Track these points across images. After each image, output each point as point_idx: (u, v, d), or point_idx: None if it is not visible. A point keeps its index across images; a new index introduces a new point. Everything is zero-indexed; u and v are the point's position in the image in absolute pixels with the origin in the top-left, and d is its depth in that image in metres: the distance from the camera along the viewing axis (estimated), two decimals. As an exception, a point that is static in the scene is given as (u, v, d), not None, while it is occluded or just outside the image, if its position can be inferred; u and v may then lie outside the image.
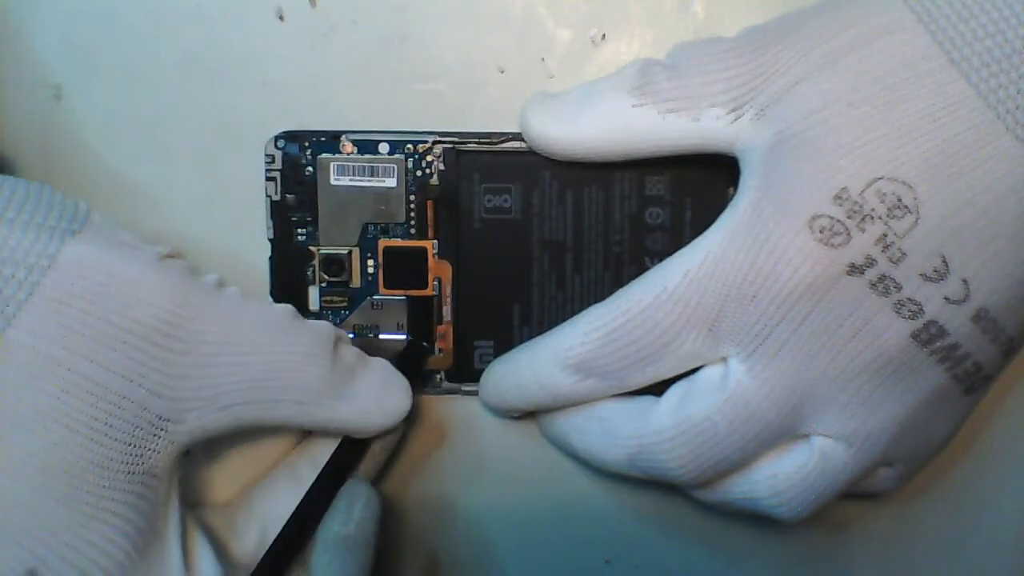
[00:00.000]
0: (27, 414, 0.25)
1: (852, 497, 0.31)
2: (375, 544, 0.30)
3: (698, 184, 0.32)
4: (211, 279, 0.29)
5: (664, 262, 0.29)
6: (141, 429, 0.26)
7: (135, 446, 0.26)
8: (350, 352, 0.30)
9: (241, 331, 0.28)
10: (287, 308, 0.30)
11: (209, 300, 0.28)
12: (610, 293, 0.30)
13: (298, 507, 0.30)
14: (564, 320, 0.31)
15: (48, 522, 0.25)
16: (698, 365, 0.30)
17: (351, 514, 0.30)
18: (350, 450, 0.31)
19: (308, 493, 0.30)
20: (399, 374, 0.31)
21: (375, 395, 0.30)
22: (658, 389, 0.30)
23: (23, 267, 0.25)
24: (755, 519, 0.31)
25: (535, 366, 0.31)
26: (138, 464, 0.26)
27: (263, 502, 0.31)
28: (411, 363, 0.32)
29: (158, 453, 0.27)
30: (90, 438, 0.25)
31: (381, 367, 0.31)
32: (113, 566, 0.26)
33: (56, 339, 0.25)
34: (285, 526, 0.29)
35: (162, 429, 0.27)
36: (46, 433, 0.25)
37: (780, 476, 0.29)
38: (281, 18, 0.33)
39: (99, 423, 0.26)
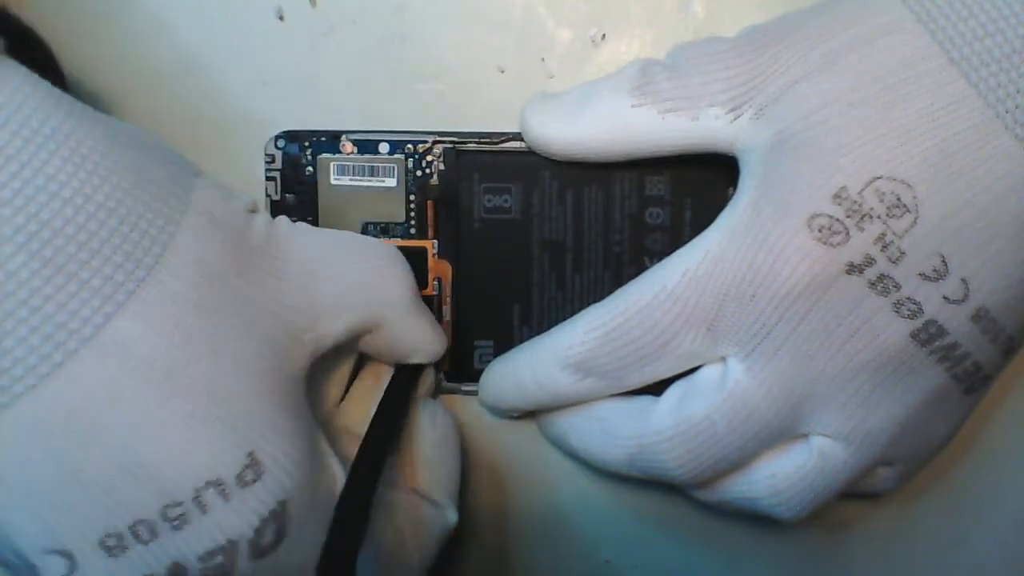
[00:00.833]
0: (227, 327, 0.26)
1: (852, 497, 0.31)
2: (460, 451, 0.32)
3: (698, 184, 0.32)
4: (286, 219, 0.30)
5: (663, 261, 0.29)
6: (286, 338, 0.27)
7: (282, 356, 0.27)
8: None
9: (333, 247, 0.29)
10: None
11: (292, 228, 0.29)
12: (610, 293, 0.30)
13: (371, 429, 0.30)
14: (564, 320, 0.31)
15: (256, 410, 0.26)
16: (697, 365, 0.30)
17: (435, 422, 0.32)
18: (410, 375, 0.32)
19: (378, 414, 0.30)
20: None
21: (433, 321, 0.32)
22: (657, 389, 0.30)
23: (177, 189, 0.26)
24: (755, 519, 0.31)
25: (534, 366, 0.31)
26: (296, 371, 0.28)
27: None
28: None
29: (302, 362, 0.28)
30: (259, 341, 0.26)
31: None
32: (304, 453, 0.27)
33: (214, 252, 0.26)
34: (364, 446, 0.29)
35: (302, 339, 0.28)
36: (225, 333, 0.26)
37: (779, 476, 0.29)
38: (281, 18, 0.33)
39: (260, 330, 0.26)
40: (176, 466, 0.24)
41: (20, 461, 0.23)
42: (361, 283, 0.29)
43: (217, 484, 0.24)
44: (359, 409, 0.32)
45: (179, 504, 0.24)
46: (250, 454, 0.25)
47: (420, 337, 0.31)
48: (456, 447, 0.32)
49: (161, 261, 0.25)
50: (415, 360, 0.32)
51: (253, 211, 0.28)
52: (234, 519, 0.25)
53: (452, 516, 0.31)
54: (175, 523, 0.24)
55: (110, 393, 0.24)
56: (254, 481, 0.25)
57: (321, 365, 0.30)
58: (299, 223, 0.30)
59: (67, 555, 0.24)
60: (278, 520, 0.26)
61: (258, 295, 0.27)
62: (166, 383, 0.24)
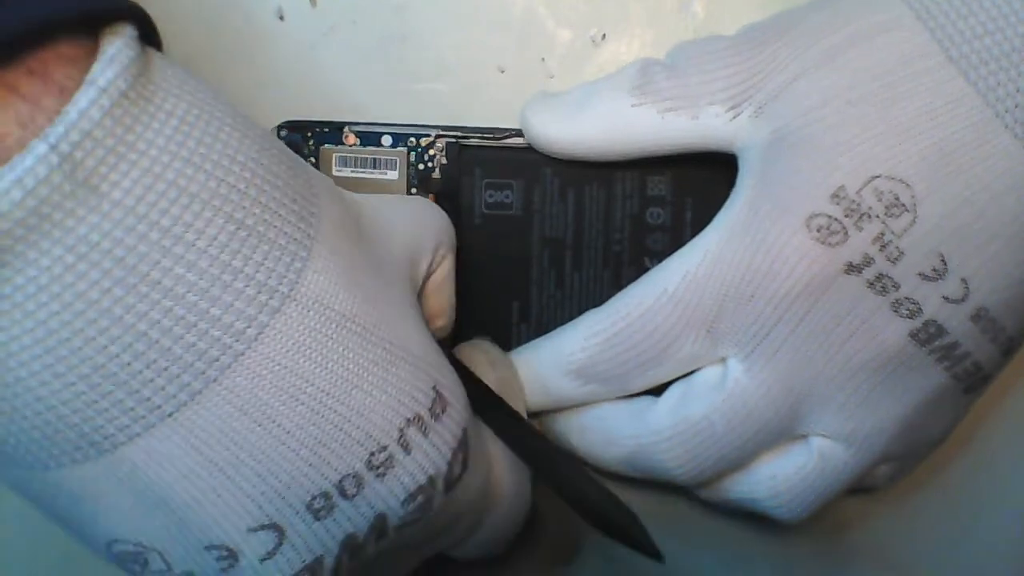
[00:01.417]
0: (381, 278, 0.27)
1: (849, 493, 0.31)
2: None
3: (699, 184, 0.32)
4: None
5: (663, 263, 0.29)
6: (413, 284, 0.29)
7: (414, 300, 0.28)
8: None
9: (391, 206, 0.30)
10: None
11: (358, 198, 0.29)
12: (609, 292, 0.30)
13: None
14: (562, 318, 0.31)
15: (430, 350, 0.27)
16: (698, 367, 0.30)
17: (491, 357, 0.32)
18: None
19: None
20: None
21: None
22: (658, 389, 0.30)
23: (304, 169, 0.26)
24: (755, 519, 0.31)
25: (536, 371, 0.31)
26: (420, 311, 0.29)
27: None
28: None
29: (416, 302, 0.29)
30: (407, 292, 0.28)
31: None
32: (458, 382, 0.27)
33: (350, 222, 0.27)
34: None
35: (416, 281, 0.29)
36: (397, 288, 0.27)
37: (780, 477, 0.29)
38: (281, 18, 0.33)
39: (400, 282, 0.28)
40: (381, 411, 0.24)
41: (230, 437, 0.23)
42: (427, 228, 0.30)
43: (417, 421, 0.25)
44: None
45: (384, 448, 0.24)
46: (434, 387, 0.26)
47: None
48: (519, 389, 0.32)
49: (319, 222, 0.25)
50: (445, 316, 0.32)
51: None
52: (433, 453, 0.25)
53: None
54: (379, 471, 0.24)
55: (316, 346, 0.24)
56: (443, 412, 0.26)
57: None
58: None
59: (275, 527, 0.24)
60: (463, 449, 0.26)
61: (382, 251, 0.27)
62: (361, 333, 0.24)
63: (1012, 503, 0.35)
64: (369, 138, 0.33)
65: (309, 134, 0.32)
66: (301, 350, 0.23)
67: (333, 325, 0.24)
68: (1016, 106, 0.25)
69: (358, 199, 0.29)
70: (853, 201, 0.26)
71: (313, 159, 0.33)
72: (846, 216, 0.26)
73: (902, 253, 0.26)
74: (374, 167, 0.32)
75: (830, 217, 0.26)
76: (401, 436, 0.24)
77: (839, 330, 0.27)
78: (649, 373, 0.30)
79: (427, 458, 0.25)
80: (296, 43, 0.33)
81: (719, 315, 0.28)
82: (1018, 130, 0.26)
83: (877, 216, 0.26)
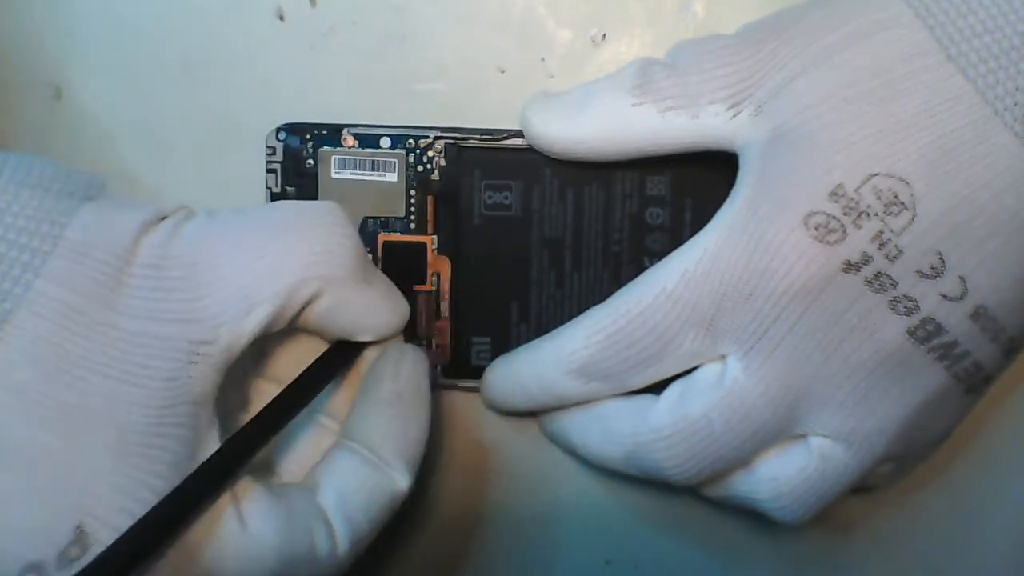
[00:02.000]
0: (60, 367, 0.24)
1: (849, 492, 0.31)
2: (430, 404, 0.30)
3: (699, 184, 0.32)
4: (204, 212, 0.27)
5: (662, 261, 0.29)
6: (177, 361, 0.25)
7: (174, 379, 0.25)
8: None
9: (245, 231, 0.27)
10: (285, 204, 0.28)
11: (199, 227, 0.27)
12: (609, 292, 0.30)
13: (281, 393, 0.28)
14: (562, 318, 0.31)
15: (96, 471, 0.24)
16: (697, 364, 0.30)
17: (399, 371, 0.29)
18: (345, 353, 0.30)
19: (295, 382, 0.28)
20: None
21: (387, 291, 0.29)
22: (658, 388, 0.30)
23: (46, 223, 0.25)
24: (756, 518, 0.31)
25: (538, 371, 0.31)
26: (180, 396, 0.25)
27: None
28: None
29: (198, 380, 0.26)
30: (127, 382, 0.25)
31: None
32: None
33: (80, 289, 0.24)
34: (267, 408, 0.27)
35: (197, 354, 0.25)
36: (83, 384, 0.24)
37: (782, 479, 0.29)
38: (281, 18, 0.33)
39: (133, 365, 0.25)
40: None
41: None
42: (276, 265, 0.26)
43: (37, 568, 0.23)
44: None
45: None
46: (78, 526, 0.23)
47: (363, 312, 0.28)
48: (421, 404, 0.29)
49: (18, 308, 0.24)
50: (363, 338, 0.29)
51: (163, 219, 0.27)
52: None
53: (402, 481, 0.28)
54: None
55: None
56: (81, 555, 0.23)
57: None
58: (222, 212, 0.27)
59: None
60: None
61: (133, 324, 0.25)
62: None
63: (1012, 503, 0.35)
64: (368, 140, 0.33)
65: (307, 136, 0.33)
66: None
67: None
68: (1015, 104, 0.25)
69: (207, 226, 0.27)
70: (852, 199, 0.26)
71: (312, 161, 0.32)
72: (844, 214, 0.26)
73: (900, 251, 0.26)
74: (373, 169, 0.33)
75: (828, 215, 0.26)
76: None
77: (837, 328, 0.27)
78: (649, 370, 0.30)
79: None
80: (296, 43, 0.33)
81: (718, 313, 0.28)
82: (1017, 128, 0.25)
83: (876, 214, 0.26)
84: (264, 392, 0.30)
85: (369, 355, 0.30)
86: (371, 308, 0.29)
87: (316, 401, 0.29)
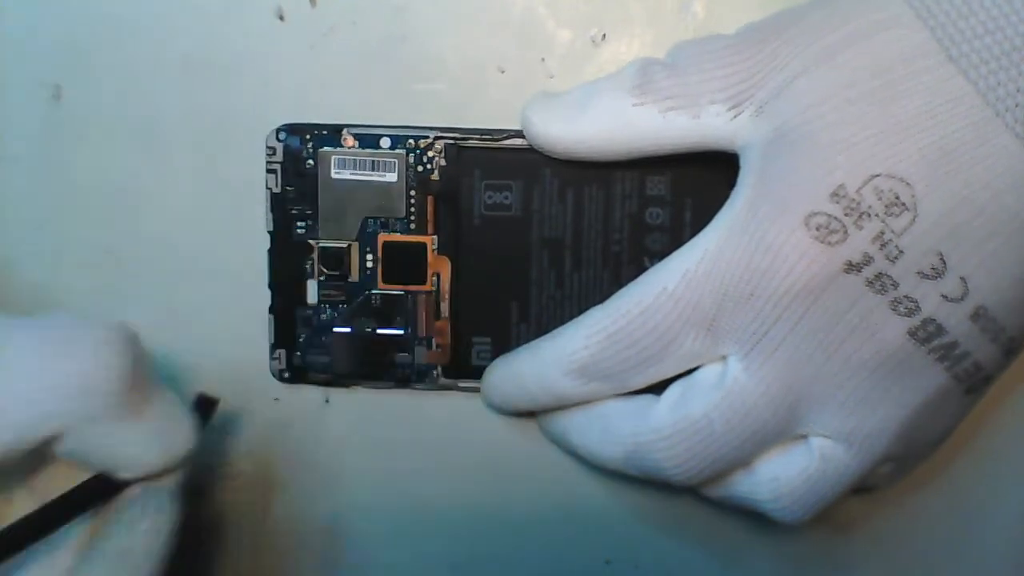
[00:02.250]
0: None
1: (849, 493, 0.31)
2: (159, 558, 0.26)
3: (699, 184, 0.32)
4: None
5: (663, 262, 0.29)
6: None
7: None
8: (145, 368, 0.26)
9: None
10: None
11: None
12: (609, 292, 0.30)
13: (18, 521, 0.25)
14: (562, 318, 0.31)
15: None
16: (698, 364, 0.30)
17: (136, 525, 0.26)
18: (105, 483, 0.27)
19: (38, 511, 0.25)
20: (188, 410, 0.28)
21: (160, 426, 0.26)
22: (659, 388, 0.30)
23: None
24: (756, 519, 0.31)
25: (538, 371, 0.31)
26: None
27: None
28: (203, 412, 0.29)
29: None
30: None
31: (171, 396, 0.27)
32: None
33: None
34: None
35: None
36: None
37: (782, 479, 0.29)
38: (281, 18, 0.33)
39: None
40: None
41: None
42: (7, 397, 0.24)
43: None
44: None
45: None
46: None
47: (121, 450, 0.26)
48: (145, 569, 0.26)
49: None
50: (123, 476, 0.26)
51: None
52: None
53: None
54: None
55: None
56: None
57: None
58: None
59: None
60: None
61: None
62: None
63: (1012, 503, 0.35)
64: (367, 140, 0.33)
65: (307, 136, 0.32)
66: None
67: None
68: (1016, 105, 0.25)
69: None
70: (853, 200, 0.26)
71: (312, 161, 0.32)
72: (846, 215, 0.26)
73: (901, 252, 0.26)
74: (373, 169, 0.32)
75: (829, 216, 0.26)
76: None
77: (838, 329, 0.27)
78: (650, 371, 0.30)
79: None
80: (296, 43, 0.33)
81: (719, 313, 0.28)
82: (1018, 129, 0.25)
83: (877, 215, 0.26)
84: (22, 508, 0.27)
85: (131, 492, 0.27)
86: (133, 446, 0.26)
87: (63, 533, 0.26)
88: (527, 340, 0.33)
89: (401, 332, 0.34)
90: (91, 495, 0.26)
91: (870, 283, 0.27)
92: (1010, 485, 0.35)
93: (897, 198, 0.26)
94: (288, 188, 0.33)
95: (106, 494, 0.27)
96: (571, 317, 0.31)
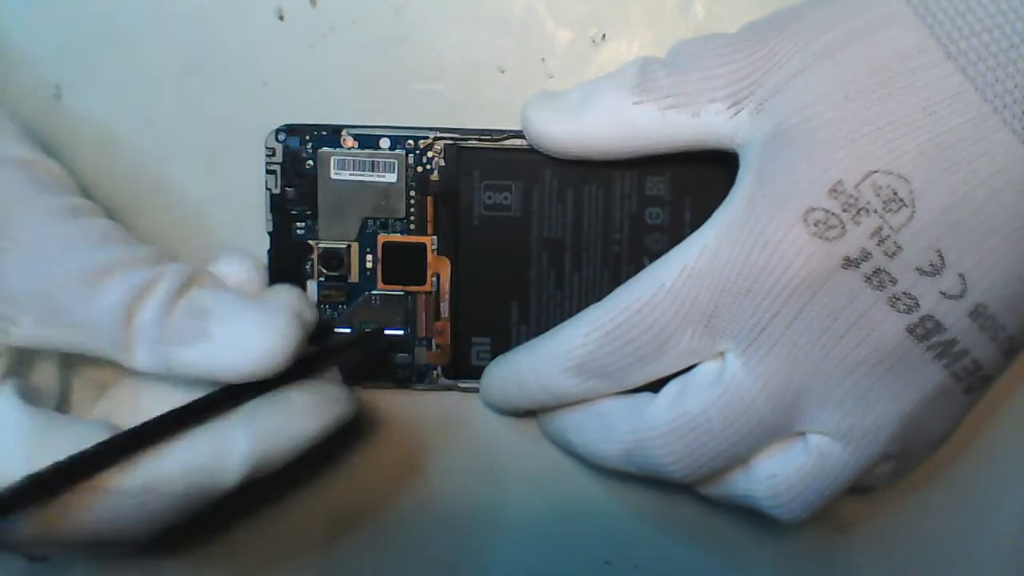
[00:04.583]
0: None
1: (848, 492, 0.31)
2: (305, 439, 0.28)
3: (698, 184, 0.32)
4: (68, 200, 0.28)
5: (662, 258, 0.29)
6: None
7: None
8: (201, 293, 0.28)
9: (51, 241, 0.27)
10: (104, 224, 0.28)
11: (39, 208, 0.27)
12: (608, 292, 0.30)
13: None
14: (561, 318, 0.31)
15: None
16: (696, 361, 0.30)
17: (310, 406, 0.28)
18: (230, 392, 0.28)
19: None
20: (273, 311, 0.28)
21: (231, 339, 0.27)
22: (657, 386, 0.30)
23: None
24: (755, 518, 0.31)
25: (537, 369, 0.31)
26: None
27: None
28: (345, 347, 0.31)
29: None
30: None
31: (248, 306, 0.28)
32: None
33: None
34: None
35: None
36: None
37: (780, 477, 0.29)
38: (281, 18, 0.33)
39: None
40: None
41: None
42: (55, 291, 0.26)
43: None
44: None
45: None
46: None
47: (195, 364, 0.27)
48: (304, 435, 0.28)
49: None
50: (233, 378, 0.27)
51: (14, 160, 0.28)
52: None
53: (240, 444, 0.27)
54: None
55: None
56: None
57: None
58: (80, 212, 0.28)
59: None
60: None
61: None
62: None
63: (1012, 503, 0.35)
64: (367, 141, 0.33)
65: (307, 137, 0.32)
66: None
67: None
68: (1015, 102, 0.25)
69: (71, 223, 0.27)
70: (851, 196, 0.26)
71: (311, 162, 0.32)
72: (844, 211, 0.26)
73: (900, 248, 0.26)
74: (372, 170, 0.33)
75: (827, 211, 0.26)
76: None
77: (836, 325, 0.27)
78: (648, 368, 0.30)
79: None
80: (296, 43, 0.33)
81: (717, 309, 0.28)
82: (1016, 126, 0.25)
83: (875, 211, 0.26)
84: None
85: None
86: (200, 361, 0.27)
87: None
88: (527, 340, 0.32)
89: (401, 332, 0.34)
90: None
91: (868, 279, 0.27)
92: (1010, 485, 0.35)
93: (895, 194, 0.26)
94: (288, 189, 0.33)
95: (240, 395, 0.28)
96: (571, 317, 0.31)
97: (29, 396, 0.27)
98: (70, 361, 0.29)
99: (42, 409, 0.27)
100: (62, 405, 0.29)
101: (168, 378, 0.27)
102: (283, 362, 0.27)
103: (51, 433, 0.26)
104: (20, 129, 0.28)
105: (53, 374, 0.29)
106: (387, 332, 0.34)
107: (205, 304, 0.27)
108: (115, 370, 0.28)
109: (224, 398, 0.27)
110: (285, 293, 0.29)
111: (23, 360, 0.28)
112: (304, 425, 0.28)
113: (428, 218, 0.33)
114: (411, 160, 0.33)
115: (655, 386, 0.30)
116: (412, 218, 0.33)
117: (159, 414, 0.26)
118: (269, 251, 0.33)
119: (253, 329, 0.27)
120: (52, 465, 0.24)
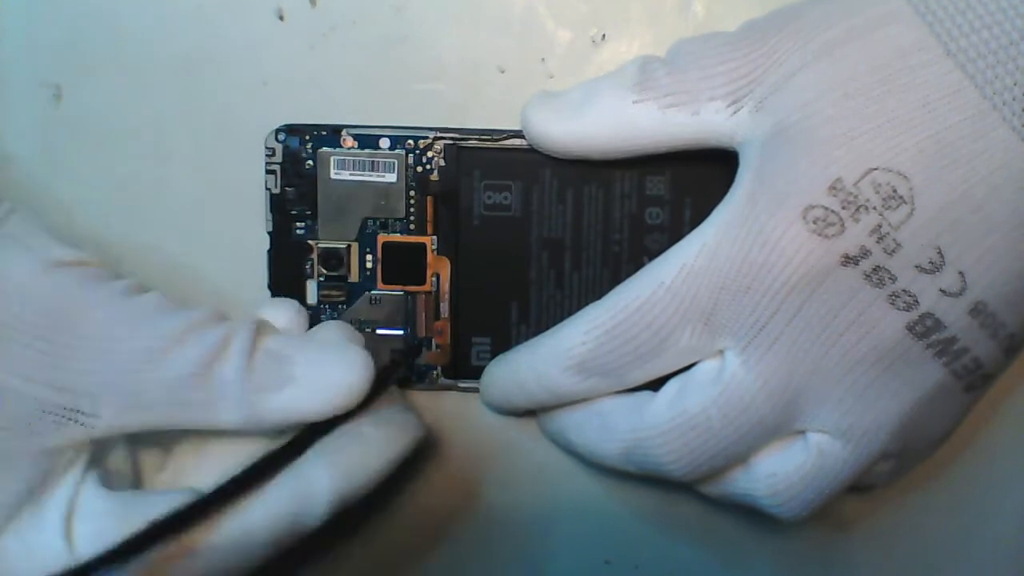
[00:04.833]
0: None
1: (848, 491, 0.31)
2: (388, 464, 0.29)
3: (698, 184, 0.32)
4: (119, 284, 0.28)
5: (661, 256, 0.29)
6: (43, 422, 0.26)
7: (35, 435, 0.26)
8: (275, 341, 0.28)
9: (115, 329, 0.27)
10: (152, 297, 0.28)
11: (99, 300, 0.27)
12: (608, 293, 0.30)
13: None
14: (561, 318, 0.31)
15: None
16: (696, 360, 0.30)
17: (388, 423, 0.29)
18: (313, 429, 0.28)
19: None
20: (343, 347, 0.29)
21: (315, 379, 0.28)
22: (657, 385, 0.30)
23: None
24: (755, 518, 0.31)
25: (536, 368, 0.31)
26: (37, 447, 0.26)
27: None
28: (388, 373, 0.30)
29: (65, 438, 0.27)
30: None
31: (319, 346, 0.29)
32: None
33: None
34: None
35: (72, 420, 0.26)
36: None
37: (779, 475, 0.29)
38: (281, 18, 0.33)
39: None
40: None
41: None
42: (131, 374, 0.27)
43: None
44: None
45: None
46: None
47: (282, 410, 0.28)
48: (383, 462, 0.29)
49: None
50: (320, 416, 0.28)
51: (64, 264, 0.28)
52: None
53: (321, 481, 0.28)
54: None
55: None
56: None
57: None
58: (141, 299, 0.28)
59: None
60: None
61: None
62: None
63: (1012, 503, 0.35)
64: (367, 141, 0.33)
65: (307, 137, 0.33)
66: None
67: None
68: (1014, 99, 0.25)
69: (98, 297, 0.27)
70: (850, 193, 0.26)
71: (311, 162, 0.33)
72: (843, 208, 0.26)
73: (899, 245, 0.26)
74: (372, 170, 0.33)
75: (827, 209, 0.26)
76: None
77: (836, 322, 0.27)
78: (648, 366, 0.29)
79: None
80: (296, 43, 0.33)
81: (716, 307, 0.28)
82: (1016, 123, 0.25)
83: (874, 208, 0.26)
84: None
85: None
86: (286, 405, 0.28)
87: None
88: (527, 340, 0.32)
89: (401, 332, 0.33)
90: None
91: (868, 276, 0.27)
92: (1010, 485, 0.35)
93: (895, 191, 0.26)
94: (288, 189, 0.33)
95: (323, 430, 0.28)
96: (571, 317, 0.31)
97: (108, 481, 0.28)
98: (134, 435, 0.29)
99: (123, 491, 0.28)
100: (135, 481, 0.30)
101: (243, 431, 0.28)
102: (363, 394, 0.28)
103: (140, 511, 0.27)
104: (50, 234, 0.28)
105: (123, 453, 0.29)
106: (381, 332, 0.34)
107: (282, 351, 0.28)
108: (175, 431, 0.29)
109: (307, 437, 0.28)
110: (336, 329, 0.30)
111: (97, 447, 0.28)
112: (380, 455, 0.29)
113: (428, 218, 0.33)
114: (411, 160, 0.33)
115: (655, 385, 0.30)
116: (412, 218, 0.33)
117: (240, 468, 0.27)
118: (269, 251, 0.33)
119: (334, 367, 0.28)
120: (142, 528, 0.25)
